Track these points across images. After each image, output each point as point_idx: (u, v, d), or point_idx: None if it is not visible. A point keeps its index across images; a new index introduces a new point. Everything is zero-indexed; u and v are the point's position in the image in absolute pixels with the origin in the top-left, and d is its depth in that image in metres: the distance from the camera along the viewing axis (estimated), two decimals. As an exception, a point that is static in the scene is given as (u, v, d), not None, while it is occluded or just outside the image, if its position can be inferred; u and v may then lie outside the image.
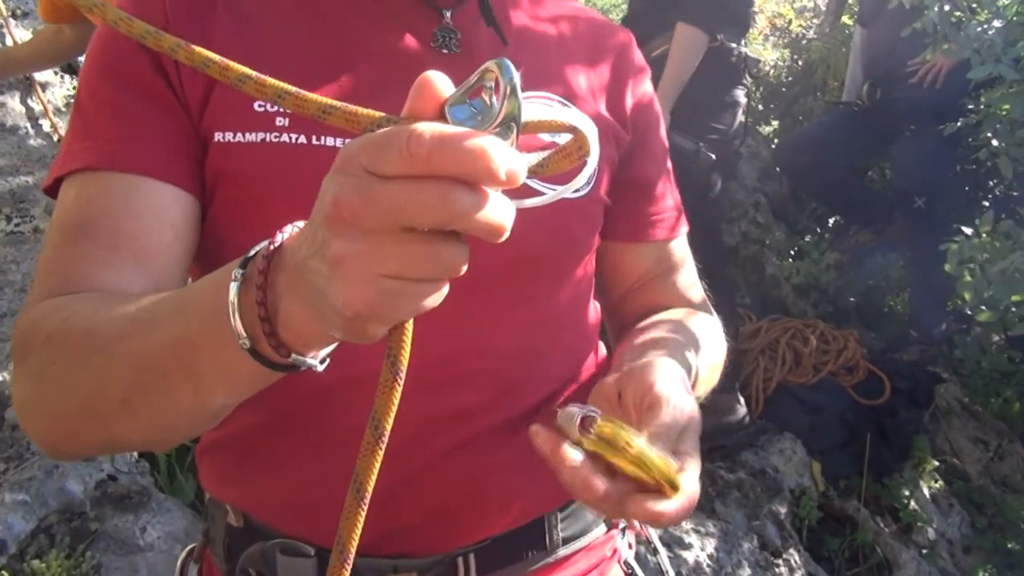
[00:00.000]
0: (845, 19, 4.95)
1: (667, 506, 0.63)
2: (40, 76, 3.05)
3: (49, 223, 0.82)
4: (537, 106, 0.52)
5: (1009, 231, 2.77)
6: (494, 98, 0.48)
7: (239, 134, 0.80)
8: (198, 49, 0.57)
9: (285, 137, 0.80)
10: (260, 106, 0.81)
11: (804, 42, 5.12)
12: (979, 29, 2.48)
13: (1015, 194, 3.84)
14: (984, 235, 2.84)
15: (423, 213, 0.45)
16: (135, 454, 2.17)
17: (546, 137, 0.83)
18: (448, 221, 0.45)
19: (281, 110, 0.81)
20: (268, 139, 0.80)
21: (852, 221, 4.40)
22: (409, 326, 0.54)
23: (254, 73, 0.55)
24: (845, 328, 3.73)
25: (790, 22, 5.44)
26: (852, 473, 3.21)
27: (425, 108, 0.48)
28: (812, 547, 3.00)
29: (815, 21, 5.34)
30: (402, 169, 0.45)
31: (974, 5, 2.55)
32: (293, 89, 0.53)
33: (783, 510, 2.97)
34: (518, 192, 0.51)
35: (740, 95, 3.15)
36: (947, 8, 2.58)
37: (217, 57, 0.56)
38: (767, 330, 3.57)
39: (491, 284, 0.85)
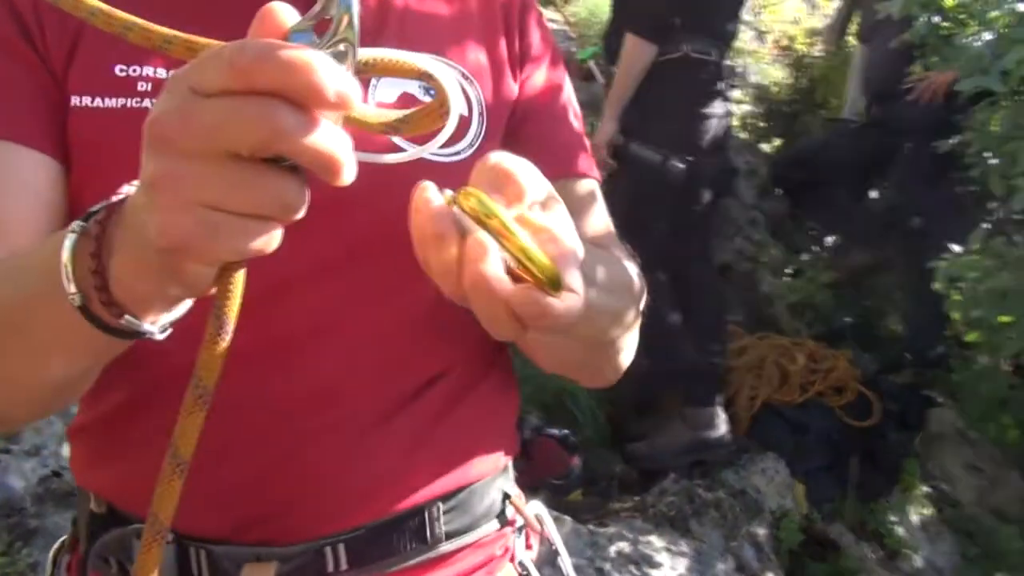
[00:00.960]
0: (850, 38, 4.90)
1: (554, 301, 0.48)
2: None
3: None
4: (390, 50, 0.49)
5: (999, 250, 2.70)
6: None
7: (97, 99, 0.77)
8: None
9: (147, 103, 0.77)
10: (122, 70, 0.77)
11: (807, 60, 5.07)
12: (965, 41, 2.43)
13: (1015, 216, 3.76)
14: (975, 254, 2.76)
15: (242, 131, 0.42)
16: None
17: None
18: (269, 140, 0.42)
19: (143, 75, 0.78)
20: (129, 104, 0.77)
21: (849, 240, 4.33)
22: (239, 276, 0.51)
23: (103, 5, 0.52)
24: (840, 349, 3.66)
25: (793, 39, 5.40)
26: (837, 496, 3.13)
27: (266, 36, 0.45)
28: (793, 571, 2.91)
29: (819, 39, 5.30)
30: (223, 83, 0.42)
31: (963, 16, 2.50)
32: (140, 21, 0.51)
33: (763, 532, 2.89)
34: (379, 148, 0.47)
35: (717, 107, 3.12)
36: (936, 20, 2.52)
37: (103, 5, 0.53)
38: (754, 347, 3.50)
39: (362, 258, 0.81)
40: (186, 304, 0.57)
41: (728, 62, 3.19)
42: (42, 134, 0.77)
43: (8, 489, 1.92)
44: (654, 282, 3.18)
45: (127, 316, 0.55)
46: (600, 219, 0.94)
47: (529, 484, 2.81)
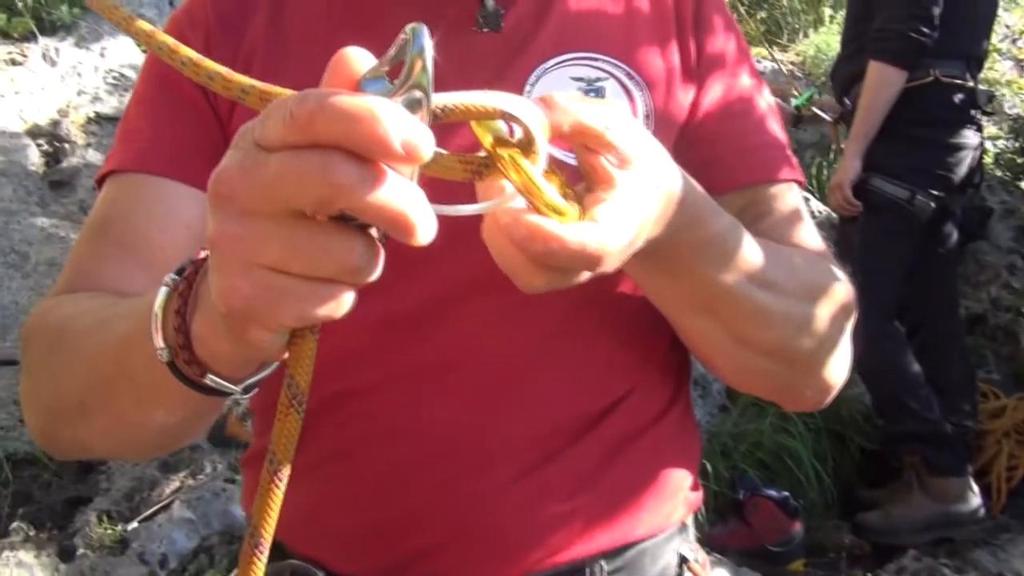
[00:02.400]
0: None
1: (559, 228, 0.47)
2: None
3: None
4: (469, 93, 0.45)
5: None
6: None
7: None
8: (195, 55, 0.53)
9: None
10: None
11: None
12: None
13: None
14: None
15: (300, 187, 0.39)
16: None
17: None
18: (329, 197, 0.39)
19: None
20: None
21: None
22: (311, 341, 0.47)
23: (193, 54, 0.51)
24: None
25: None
26: (1125, 591, 2.63)
27: (339, 84, 0.42)
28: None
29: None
30: (285, 135, 0.39)
31: None
32: (223, 70, 0.49)
33: (1027, 625, 2.48)
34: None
35: (969, 136, 2.79)
36: None
37: (193, 54, 0.52)
38: (1014, 409, 3.06)
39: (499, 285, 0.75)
40: (273, 364, 0.55)
41: (981, 87, 2.85)
42: (199, 171, 0.78)
43: (231, 516, 2.05)
44: (893, 333, 2.88)
45: (210, 375, 0.53)
46: (803, 228, 0.84)
47: (744, 548, 2.63)
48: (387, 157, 0.39)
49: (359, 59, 0.42)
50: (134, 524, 2.04)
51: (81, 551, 1.96)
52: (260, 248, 0.41)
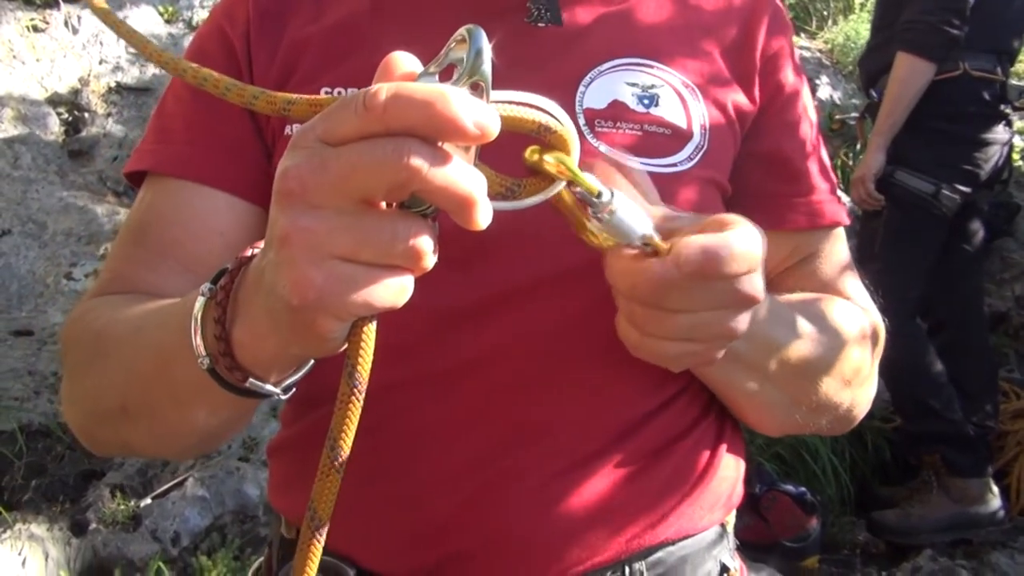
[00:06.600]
0: None
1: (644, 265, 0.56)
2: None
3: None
4: (510, 103, 0.48)
5: None
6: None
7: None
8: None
9: None
10: (327, 92, 0.77)
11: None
12: None
13: None
14: None
15: (379, 172, 0.42)
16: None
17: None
18: (406, 179, 0.41)
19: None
20: None
21: None
22: (370, 331, 0.49)
23: (228, 78, 0.56)
24: None
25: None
26: None
27: None
28: None
29: None
30: (357, 126, 0.42)
31: None
32: (266, 91, 0.54)
33: (1043, 630, 2.46)
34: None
35: (999, 131, 2.73)
36: None
37: (236, 82, 0.56)
38: (1036, 411, 3.01)
39: (556, 287, 0.73)
40: (310, 363, 0.57)
41: (1013, 81, 2.79)
42: (236, 177, 0.78)
43: (244, 496, 2.03)
44: (914, 331, 2.84)
45: (251, 379, 0.55)
46: (845, 269, 0.88)
47: (759, 543, 2.60)
48: (460, 137, 0.41)
49: (406, 63, 0.44)
50: (147, 500, 2.03)
51: (93, 526, 1.95)
52: (331, 239, 0.43)
